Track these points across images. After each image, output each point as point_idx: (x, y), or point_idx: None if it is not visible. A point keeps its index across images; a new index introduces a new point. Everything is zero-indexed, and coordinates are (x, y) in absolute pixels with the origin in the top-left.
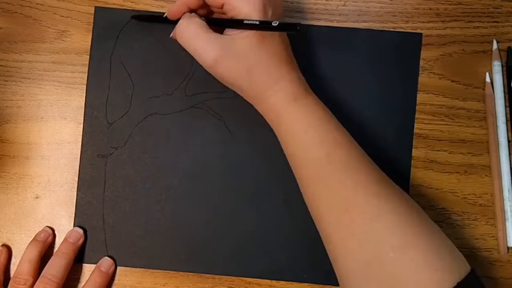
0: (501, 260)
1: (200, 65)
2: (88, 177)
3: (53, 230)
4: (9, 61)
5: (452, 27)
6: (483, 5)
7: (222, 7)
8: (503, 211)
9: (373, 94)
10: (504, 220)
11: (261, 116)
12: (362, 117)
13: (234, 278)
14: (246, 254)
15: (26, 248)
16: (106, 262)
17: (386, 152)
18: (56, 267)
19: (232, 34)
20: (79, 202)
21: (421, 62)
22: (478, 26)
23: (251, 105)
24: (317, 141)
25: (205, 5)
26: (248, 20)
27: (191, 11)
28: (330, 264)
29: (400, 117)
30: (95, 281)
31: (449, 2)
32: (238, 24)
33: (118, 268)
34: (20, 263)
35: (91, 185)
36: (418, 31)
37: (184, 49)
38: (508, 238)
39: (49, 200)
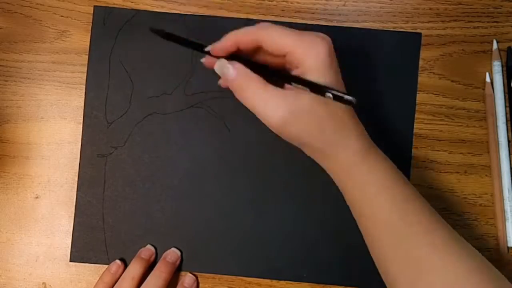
0: (501, 260)
1: (199, 62)
2: (88, 177)
3: (155, 248)
4: (9, 61)
5: (452, 27)
6: (483, 5)
7: (282, 56)
8: (503, 211)
9: (372, 94)
10: (504, 220)
11: None
12: (362, 117)
13: (234, 277)
14: (246, 254)
15: (130, 265)
16: (188, 279)
17: (386, 151)
18: (155, 285)
19: (295, 89)
20: (79, 202)
21: (421, 62)
22: (478, 26)
23: None
24: (389, 202)
25: (256, 49)
26: (318, 82)
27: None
28: (330, 263)
29: (399, 117)
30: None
31: (449, 2)
32: (306, 85)
33: None
34: (124, 279)
35: (91, 184)
36: (418, 31)
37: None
38: (508, 238)
39: (49, 200)
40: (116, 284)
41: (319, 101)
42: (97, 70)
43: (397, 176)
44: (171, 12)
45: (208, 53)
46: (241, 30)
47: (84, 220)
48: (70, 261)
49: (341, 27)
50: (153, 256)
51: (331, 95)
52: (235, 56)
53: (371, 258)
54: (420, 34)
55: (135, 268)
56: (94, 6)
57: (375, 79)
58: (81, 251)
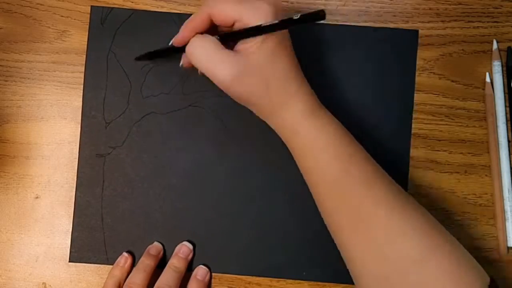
0: (501, 260)
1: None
2: (87, 177)
3: (163, 245)
4: (9, 61)
5: (452, 27)
6: (483, 5)
7: (232, 25)
8: (503, 211)
9: (370, 90)
10: (504, 220)
11: None
12: (360, 113)
13: (234, 277)
14: (245, 253)
15: (141, 260)
16: (201, 271)
17: (385, 148)
18: (170, 278)
19: (244, 50)
20: (77, 202)
21: (421, 62)
22: (478, 26)
23: None
24: (334, 157)
25: (213, 27)
26: (267, 22)
27: None
28: (329, 262)
29: (397, 115)
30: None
31: (449, 2)
32: (257, 31)
33: None
34: (136, 271)
35: (90, 184)
36: (418, 31)
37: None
38: (508, 238)
39: (49, 200)
40: (128, 278)
41: (267, 61)
42: (95, 70)
43: (342, 133)
44: (170, 12)
45: (173, 47)
46: (194, 14)
47: (83, 220)
48: (70, 261)
49: (336, 25)
50: (161, 253)
51: (298, 15)
52: None
53: None
54: (417, 31)
55: (145, 263)
56: (91, 6)
57: (373, 75)
58: (80, 251)
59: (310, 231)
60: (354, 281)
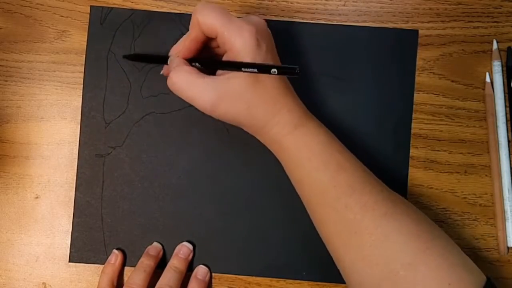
0: (501, 260)
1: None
2: (86, 177)
3: (162, 245)
4: (9, 61)
5: (452, 27)
6: (483, 5)
7: (215, 38)
8: (503, 211)
9: (370, 91)
10: (504, 220)
11: None
12: (359, 113)
13: (234, 277)
14: (245, 253)
15: (140, 259)
16: (202, 270)
17: (385, 148)
18: (170, 279)
19: (224, 74)
20: (77, 202)
21: (421, 62)
22: (478, 26)
23: None
24: (320, 166)
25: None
26: (246, 68)
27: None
28: (329, 262)
29: (397, 115)
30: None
31: (449, 2)
32: (235, 67)
33: None
34: (136, 271)
35: (89, 184)
36: (418, 31)
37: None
38: (508, 238)
39: (49, 200)
40: (128, 279)
41: (248, 83)
42: (95, 70)
43: (329, 142)
44: (170, 12)
45: (159, 58)
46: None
47: (82, 220)
48: (70, 261)
49: (336, 25)
50: (161, 253)
51: (275, 71)
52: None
53: None
54: (417, 31)
55: (145, 263)
56: (91, 6)
57: (372, 76)
58: (80, 251)
59: (310, 231)
60: None
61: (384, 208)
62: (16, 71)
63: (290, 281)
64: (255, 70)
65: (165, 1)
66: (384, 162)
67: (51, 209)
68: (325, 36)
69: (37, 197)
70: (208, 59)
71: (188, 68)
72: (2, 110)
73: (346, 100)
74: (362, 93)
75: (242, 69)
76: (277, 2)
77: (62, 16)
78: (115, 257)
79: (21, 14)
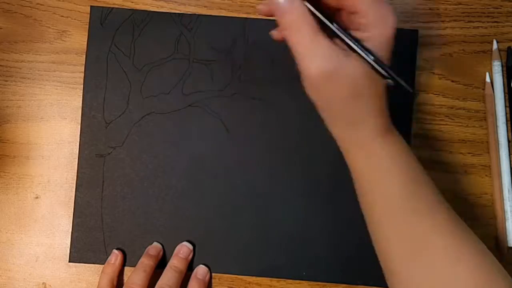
0: (501, 260)
1: (197, 61)
2: (87, 177)
3: (162, 245)
4: (9, 61)
5: (452, 27)
6: (483, 5)
7: (336, 6)
8: (503, 211)
9: None
10: (504, 220)
11: (259, 114)
12: None
13: (234, 277)
14: (245, 253)
15: (140, 260)
16: (202, 270)
17: None
18: (170, 278)
19: (345, 49)
20: (77, 202)
21: (421, 62)
22: (478, 26)
23: (248, 103)
24: (398, 182)
25: None
26: (375, 61)
27: None
28: (329, 262)
29: (397, 115)
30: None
31: (449, 2)
32: (366, 52)
33: None
34: (136, 271)
35: (90, 185)
36: (418, 31)
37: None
38: (508, 238)
39: (49, 200)
40: (128, 279)
41: (363, 74)
42: (95, 70)
43: (410, 158)
44: (170, 12)
45: None
46: None
47: (83, 220)
48: (70, 261)
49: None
50: (161, 253)
51: (392, 82)
52: None
53: (370, 256)
54: (417, 31)
55: (145, 263)
56: (91, 6)
57: None
58: (80, 252)
59: (310, 230)
60: None
61: (454, 229)
62: (16, 71)
63: (290, 281)
64: (383, 71)
65: (165, 1)
66: None
67: (51, 209)
68: None
69: (37, 197)
70: (340, 28)
71: (311, 19)
72: (2, 110)
73: None
74: None
75: (371, 57)
76: None
77: (62, 16)
78: (115, 257)
79: (21, 14)
